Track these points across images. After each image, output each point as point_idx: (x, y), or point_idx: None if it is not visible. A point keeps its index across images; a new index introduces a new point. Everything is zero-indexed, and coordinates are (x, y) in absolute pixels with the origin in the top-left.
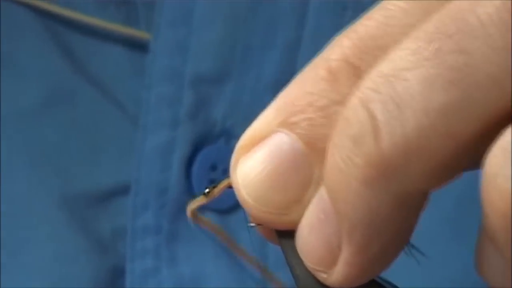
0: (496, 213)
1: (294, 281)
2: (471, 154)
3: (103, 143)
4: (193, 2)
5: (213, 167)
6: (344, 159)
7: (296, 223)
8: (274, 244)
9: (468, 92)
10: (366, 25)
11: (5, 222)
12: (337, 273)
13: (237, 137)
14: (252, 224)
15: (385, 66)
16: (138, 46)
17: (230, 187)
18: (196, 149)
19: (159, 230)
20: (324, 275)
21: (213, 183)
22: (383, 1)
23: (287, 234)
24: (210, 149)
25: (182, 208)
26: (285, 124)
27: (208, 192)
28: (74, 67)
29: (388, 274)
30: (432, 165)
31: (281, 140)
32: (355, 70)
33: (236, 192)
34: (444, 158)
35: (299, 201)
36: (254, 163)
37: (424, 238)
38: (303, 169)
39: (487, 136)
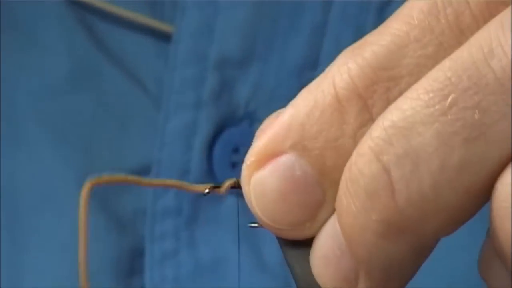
0: (509, 240)
1: (293, 280)
2: (484, 201)
3: (126, 123)
4: None
5: (236, 150)
6: (360, 211)
7: (311, 236)
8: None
9: (484, 149)
10: (376, 53)
11: (26, 197)
12: None
13: (260, 120)
14: (254, 225)
15: (396, 116)
16: (161, 34)
17: (233, 187)
18: (218, 131)
19: (179, 212)
20: None
21: (235, 166)
22: (391, 24)
23: None
24: (233, 132)
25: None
26: (297, 148)
27: (208, 193)
28: (98, 46)
29: None
30: (447, 218)
31: (292, 163)
32: (365, 103)
33: (249, 207)
34: (460, 211)
35: (312, 219)
36: (267, 183)
37: None
38: (315, 191)
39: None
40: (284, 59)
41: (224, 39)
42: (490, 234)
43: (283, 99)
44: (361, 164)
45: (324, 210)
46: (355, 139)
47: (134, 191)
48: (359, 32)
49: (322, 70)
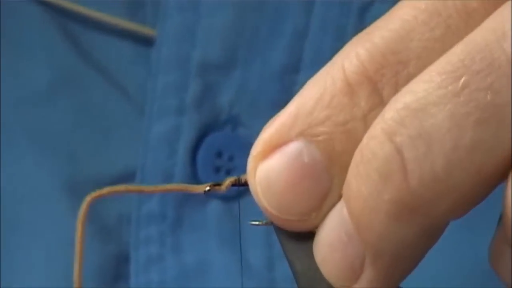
0: None
1: (293, 276)
2: (495, 183)
3: (109, 130)
4: None
5: (219, 154)
6: (371, 192)
7: (315, 228)
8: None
9: (496, 130)
10: (384, 37)
11: (10, 206)
12: None
13: (243, 124)
14: (255, 222)
15: (409, 98)
16: (143, 39)
17: (233, 185)
18: (202, 136)
19: (163, 217)
20: None
21: (218, 170)
22: (399, 9)
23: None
24: (216, 136)
25: (187, 196)
26: (305, 134)
27: (208, 190)
28: (80, 53)
29: None
30: (459, 199)
31: (300, 150)
32: (375, 86)
33: (255, 199)
34: (471, 192)
35: (319, 208)
36: (273, 171)
37: None
38: (323, 178)
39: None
40: (266, 63)
41: (206, 44)
42: (502, 222)
43: (266, 103)
44: (373, 145)
45: (330, 198)
46: (366, 122)
47: (118, 197)
48: (340, 36)
49: (305, 74)
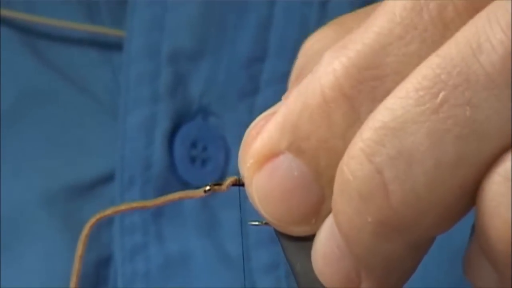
0: (498, 240)
1: (294, 278)
2: (475, 194)
3: (83, 135)
4: None
5: (194, 144)
6: (354, 212)
7: (313, 232)
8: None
9: (477, 145)
10: (360, 52)
11: None
12: None
13: (213, 114)
14: (255, 223)
15: (387, 116)
16: (105, 41)
17: (233, 185)
18: (177, 126)
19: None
20: None
21: (194, 160)
22: (375, 22)
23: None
24: (189, 126)
25: (165, 185)
26: (292, 149)
27: (208, 190)
28: (43, 63)
29: None
30: (442, 215)
31: (289, 163)
32: (351, 103)
33: (254, 206)
34: (454, 207)
35: (317, 215)
36: (268, 184)
37: None
38: (314, 189)
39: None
40: (234, 53)
41: (175, 34)
42: (476, 233)
43: (234, 93)
44: (352, 166)
45: (326, 205)
46: (345, 140)
47: (94, 202)
48: (303, 25)
49: (270, 63)
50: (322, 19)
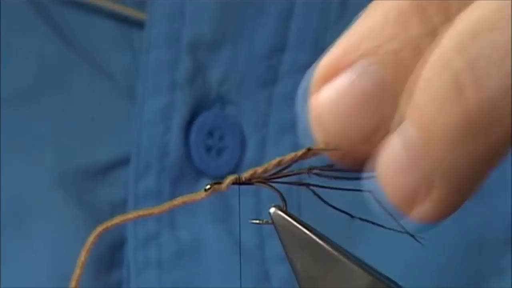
0: None
1: (294, 276)
2: None
3: (99, 117)
4: None
5: (210, 134)
6: (437, 110)
7: (373, 152)
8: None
9: None
10: None
11: (6, 207)
12: (424, 210)
13: (231, 103)
14: (255, 221)
15: (466, 25)
16: (126, 21)
17: (234, 183)
18: (194, 115)
19: (159, 194)
20: (404, 213)
21: (210, 150)
22: None
23: (288, 226)
24: (207, 115)
25: (181, 174)
26: (371, 53)
27: (208, 189)
28: (64, 42)
29: None
30: None
31: (366, 69)
32: (426, 13)
33: (313, 127)
34: None
35: (384, 128)
36: (338, 92)
37: None
38: (389, 97)
39: None
40: (253, 43)
41: (195, 22)
42: None
43: (253, 82)
44: (431, 72)
45: (396, 119)
46: (419, 51)
47: (109, 183)
48: (324, 16)
49: (290, 54)
50: (342, 11)
